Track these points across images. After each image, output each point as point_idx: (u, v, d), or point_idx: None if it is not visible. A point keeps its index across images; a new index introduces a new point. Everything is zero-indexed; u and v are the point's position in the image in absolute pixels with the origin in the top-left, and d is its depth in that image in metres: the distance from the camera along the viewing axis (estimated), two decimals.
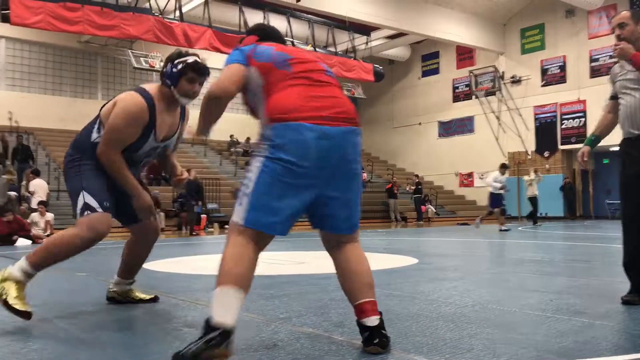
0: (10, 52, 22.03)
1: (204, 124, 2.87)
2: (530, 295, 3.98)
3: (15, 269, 3.18)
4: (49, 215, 12.34)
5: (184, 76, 3.52)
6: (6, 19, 13.98)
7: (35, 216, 12.20)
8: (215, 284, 2.42)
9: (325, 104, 2.55)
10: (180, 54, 3.58)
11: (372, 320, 2.53)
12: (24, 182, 14.86)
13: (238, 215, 2.56)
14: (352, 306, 2.65)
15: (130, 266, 3.90)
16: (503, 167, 14.33)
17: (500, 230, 13.58)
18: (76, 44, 22.56)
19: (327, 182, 2.52)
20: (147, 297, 3.93)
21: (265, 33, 3.01)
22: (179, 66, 3.50)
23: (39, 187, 13.60)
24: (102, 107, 3.63)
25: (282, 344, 2.62)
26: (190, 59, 3.53)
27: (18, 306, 3.03)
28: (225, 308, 2.34)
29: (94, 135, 3.50)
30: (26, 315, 3.03)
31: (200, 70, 3.57)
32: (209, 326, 2.29)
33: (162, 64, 17.63)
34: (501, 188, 13.89)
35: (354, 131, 2.58)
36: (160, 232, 3.93)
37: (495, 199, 14.06)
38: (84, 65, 23.64)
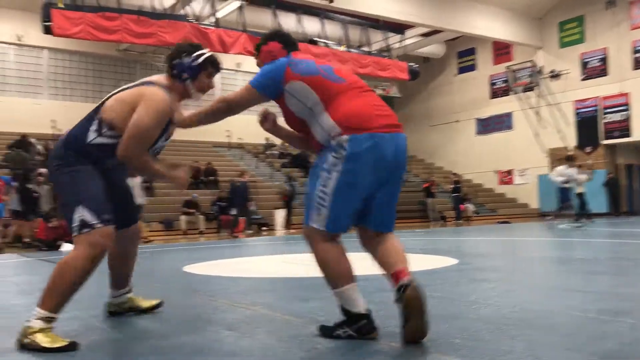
0: (53, 62, 22.68)
1: (202, 121, 2.97)
2: (572, 295, 3.89)
3: (34, 322, 2.78)
4: None
5: (204, 70, 3.37)
6: (48, 31, 14.40)
7: None
8: (335, 285, 2.86)
9: (384, 112, 2.81)
10: (193, 46, 3.38)
11: (405, 280, 2.71)
12: None
13: (320, 223, 2.79)
14: (389, 276, 2.85)
15: (122, 275, 3.61)
16: (569, 160, 13.86)
17: (573, 226, 13.10)
18: (115, 52, 23.07)
19: (382, 185, 2.77)
20: (152, 303, 3.69)
21: (286, 40, 3.13)
22: (200, 59, 3.32)
23: None
24: (100, 105, 3.28)
25: (321, 347, 2.64)
26: (208, 52, 3.36)
27: (57, 344, 2.71)
28: (357, 299, 2.81)
29: (92, 135, 3.14)
30: (70, 346, 2.72)
31: (217, 66, 3.46)
32: (353, 315, 2.77)
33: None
34: (566, 182, 13.41)
35: (404, 138, 2.85)
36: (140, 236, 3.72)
37: (563, 194, 13.61)
38: (123, 72, 24.16)
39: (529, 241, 10.16)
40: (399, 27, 21.65)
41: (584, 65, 23.49)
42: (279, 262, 7.17)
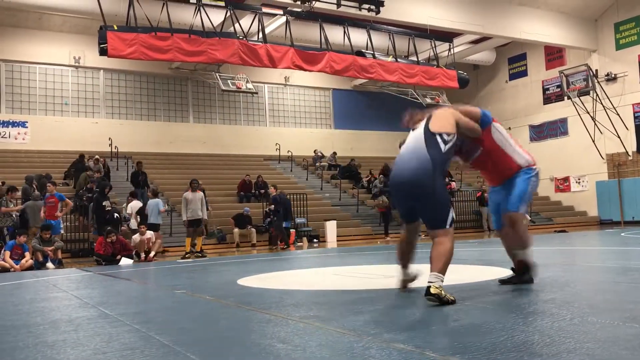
0: (109, 82, 23.53)
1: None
2: (634, 307, 3.75)
3: (437, 282, 4.08)
4: (149, 234, 13.00)
5: None
6: (104, 52, 14.96)
7: (136, 237, 12.89)
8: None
9: None
10: None
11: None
12: (123, 205, 15.71)
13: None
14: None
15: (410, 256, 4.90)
16: None
17: None
18: (167, 70, 23.75)
19: None
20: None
21: None
22: None
23: (134, 209, 14.35)
24: (427, 125, 4.41)
25: None
26: None
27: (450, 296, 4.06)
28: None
29: (443, 147, 4.30)
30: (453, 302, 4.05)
31: None
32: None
33: (248, 84, 17.87)
34: None
35: None
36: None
37: None
38: (175, 90, 24.83)
39: (587, 250, 9.84)
40: (447, 35, 21.46)
41: None
42: (330, 274, 7.18)
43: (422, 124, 4.49)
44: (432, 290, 4.00)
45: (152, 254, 12.73)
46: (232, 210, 17.63)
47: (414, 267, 4.94)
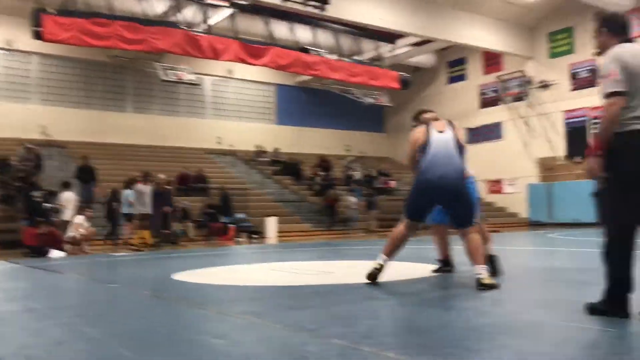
0: (43, 67, 22.56)
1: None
2: (561, 305, 3.91)
3: (484, 273, 4.64)
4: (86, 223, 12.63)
5: None
6: (38, 36, 14.32)
7: (81, 218, 12.51)
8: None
9: None
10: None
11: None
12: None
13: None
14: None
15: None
16: None
17: None
18: (106, 58, 22.99)
19: None
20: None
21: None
22: None
23: (67, 201, 13.84)
24: (455, 136, 5.05)
25: (310, 356, 2.62)
26: None
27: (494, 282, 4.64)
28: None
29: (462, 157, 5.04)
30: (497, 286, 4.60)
31: None
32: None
33: (189, 75, 17.50)
34: None
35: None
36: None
37: None
38: (114, 79, 24.08)
39: (518, 250, 10.20)
40: (390, 37, 21.76)
41: (574, 75, 23.70)
42: (269, 270, 7.15)
43: (448, 130, 5.05)
44: (486, 282, 4.60)
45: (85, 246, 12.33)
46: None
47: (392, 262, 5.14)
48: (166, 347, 2.93)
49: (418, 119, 5.56)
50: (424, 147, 4.98)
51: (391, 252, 5.09)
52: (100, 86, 23.76)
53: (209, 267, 7.88)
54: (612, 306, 3.29)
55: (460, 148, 5.00)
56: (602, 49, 3.48)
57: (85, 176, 16.41)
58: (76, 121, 22.40)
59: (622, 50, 3.31)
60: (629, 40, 3.43)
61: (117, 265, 8.84)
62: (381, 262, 5.03)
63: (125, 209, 14.09)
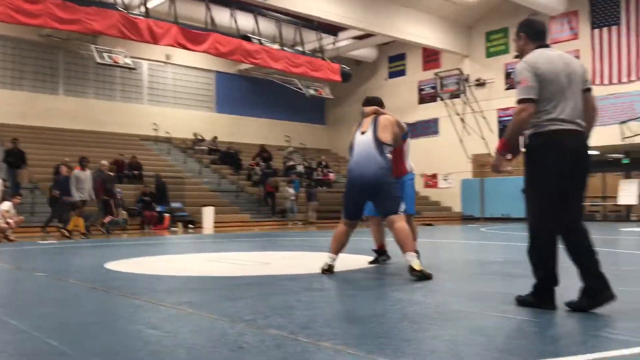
0: None
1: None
2: (492, 296, 4.05)
3: (414, 261, 4.89)
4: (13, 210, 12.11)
5: None
6: None
7: (8, 205, 11.99)
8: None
9: None
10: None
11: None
12: None
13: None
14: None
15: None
16: None
17: None
18: (37, 37, 22.01)
19: None
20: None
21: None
22: None
23: None
24: (375, 134, 5.37)
25: (247, 346, 2.61)
26: None
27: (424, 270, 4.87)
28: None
29: (387, 154, 5.31)
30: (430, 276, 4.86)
31: None
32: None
33: (126, 59, 17.07)
34: None
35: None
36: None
37: None
38: (45, 59, 23.06)
39: (452, 243, 10.49)
40: (333, 29, 21.83)
41: (508, 75, 24.51)
42: (205, 260, 7.06)
43: (370, 130, 5.35)
44: (417, 267, 4.85)
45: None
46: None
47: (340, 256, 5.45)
48: (98, 338, 2.84)
49: (363, 110, 5.72)
50: (351, 148, 5.45)
51: (337, 250, 5.42)
52: (31, 66, 22.71)
53: (144, 256, 7.70)
54: (540, 299, 3.44)
55: (382, 145, 5.26)
56: (520, 53, 3.63)
57: (14, 160, 15.68)
58: (5, 102, 21.35)
59: (536, 57, 3.45)
60: (546, 46, 3.57)
61: (45, 253, 8.50)
62: (330, 262, 5.34)
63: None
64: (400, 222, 5.11)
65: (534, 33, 3.61)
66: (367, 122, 5.48)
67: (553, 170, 3.38)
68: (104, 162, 15.12)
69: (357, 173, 5.25)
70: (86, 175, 12.81)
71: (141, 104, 25.49)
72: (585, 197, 3.58)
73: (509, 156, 3.64)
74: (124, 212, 16.08)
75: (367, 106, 5.66)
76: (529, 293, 3.54)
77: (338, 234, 5.45)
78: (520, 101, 3.40)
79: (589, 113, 3.56)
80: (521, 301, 3.56)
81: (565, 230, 3.43)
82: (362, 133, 5.41)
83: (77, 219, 12.78)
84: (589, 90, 3.55)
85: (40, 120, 22.02)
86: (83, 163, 12.83)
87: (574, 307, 3.39)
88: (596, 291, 3.33)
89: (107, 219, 14.48)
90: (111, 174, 15.25)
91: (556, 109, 3.37)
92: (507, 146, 3.55)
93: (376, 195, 5.25)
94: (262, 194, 21.10)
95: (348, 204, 5.45)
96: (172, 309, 3.57)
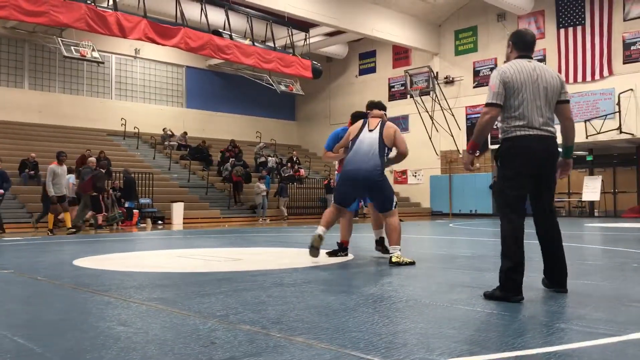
0: None
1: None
2: (461, 290, 4.11)
3: (397, 253, 5.69)
4: None
5: None
6: None
7: None
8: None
9: None
10: None
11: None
12: None
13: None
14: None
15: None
16: None
17: None
18: (1, 29, 21.48)
19: None
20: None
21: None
22: None
23: None
24: (381, 137, 5.81)
25: (219, 342, 2.61)
26: None
27: (407, 260, 5.67)
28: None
29: (385, 156, 5.93)
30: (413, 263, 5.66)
31: None
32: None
33: (93, 53, 16.80)
34: None
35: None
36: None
37: None
38: (10, 52, 22.54)
39: (421, 238, 10.61)
40: (304, 25, 21.81)
41: (476, 73, 24.87)
42: (175, 256, 7.00)
43: (377, 130, 5.80)
44: (394, 260, 5.60)
45: None
46: None
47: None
48: (67, 335, 2.80)
49: (366, 113, 6.19)
50: (353, 141, 5.83)
51: (328, 225, 5.81)
52: None
53: (113, 252, 7.60)
54: (507, 291, 3.56)
55: (384, 146, 5.77)
56: (506, 59, 3.93)
57: None
58: None
59: (509, 66, 3.77)
60: (527, 57, 3.84)
61: (12, 250, 8.33)
62: (321, 232, 5.68)
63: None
64: (392, 217, 5.82)
65: (521, 43, 3.88)
66: (375, 122, 5.89)
67: (519, 170, 3.69)
68: (92, 158, 15.28)
69: (354, 166, 5.69)
70: (63, 170, 12.65)
71: (109, 98, 25.12)
72: (553, 190, 3.91)
73: (477, 153, 3.95)
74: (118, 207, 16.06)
75: (376, 109, 6.05)
76: (496, 287, 3.64)
77: (327, 213, 5.90)
78: (486, 105, 3.75)
79: (565, 123, 3.90)
80: (489, 296, 3.65)
81: (539, 219, 3.84)
82: (370, 130, 5.83)
83: (52, 216, 12.65)
84: (565, 102, 3.83)
85: (4, 114, 21.51)
86: (60, 158, 12.65)
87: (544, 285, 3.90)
88: (557, 275, 3.80)
89: (101, 217, 14.77)
90: (102, 170, 15.38)
91: (523, 116, 3.68)
92: (475, 145, 3.88)
93: (369, 191, 5.83)
94: (230, 188, 21.03)
95: (339, 191, 5.93)
96: (143, 306, 3.55)
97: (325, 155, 6.59)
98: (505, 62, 3.93)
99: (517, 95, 3.68)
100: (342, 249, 6.44)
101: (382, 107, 6.15)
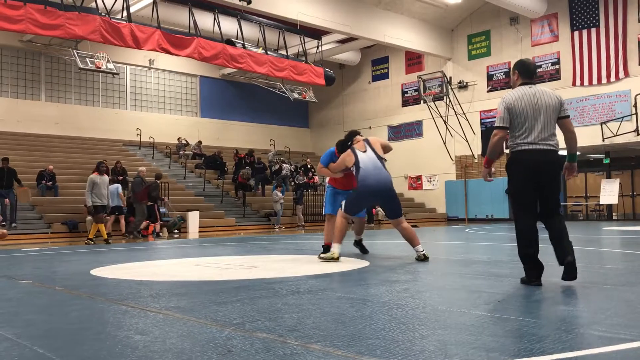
0: None
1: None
2: (478, 296, 4.08)
3: (422, 250, 6.69)
4: None
5: None
6: None
7: None
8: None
9: None
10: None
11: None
12: None
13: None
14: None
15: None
16: None
17: None
18: (18, 43, 21.81)
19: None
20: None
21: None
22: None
23: None
24: (375, 152, 6.73)
25: (236, 350, 2.61)
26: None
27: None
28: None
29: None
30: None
31: None
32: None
33: (108, 64, 17.12)
34: None
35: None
36: None
37: None
38: (27, 65, 22.86)
39: (436, 244, 10.55)
40: (316, 33, 21.87)
41: (490, 77, 24.74)
42: (191, 265, 7.03)
43: (369, 149, 6.69)
44: (426, 255, 6.66)
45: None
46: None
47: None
48: (85, 344, 2.83)
49: (348, 142, 7.03)
50: (356, 165, 6.57)
51: (341, 239, 6.63)
52: (12, 72, 22.51)
53: (130, 262, 7.65)
54: (527, 277, 4.46)
55: (382, 159, 6.66)
56: (513, 85, 4.67)
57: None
58: None
59: (511, 94, 4.52)
60: (531, 83, 4.57)
61: (30, 260, 8.41)
62: (338, 251, 6.49)
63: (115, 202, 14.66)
64: (405, 222, 6.70)
65: (524, 72, 4.62)
66: (361, 145, 6.76)
67: (521, 178, 4.48)
68: (142, 168, 16.10)
69: (374, 180, 6.49)
70: (103, 180, 12.83)
71: (124, 109, 25.35)
72: (557, 194, 4.58)
73: (492, 169, 4.79)
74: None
75: (355, 137, 6.98)
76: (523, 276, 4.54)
77: (341, 227, 6.61)
78: (494, 127, 4.57)
79: (568, 135, 4.57)
80: (522, 280, 4.55)
81: (544, 218, 4.50)
82: (363, 152, 6.67)
83: (95, 225, 12.78)
84: (565, 117, 4.53)
85: (22, 126, 21.80)
86: (101, 168, 12.86)
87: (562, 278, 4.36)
88: (566, 265, 4.29)
89: (144, 224, 15.39)
90: (158, 181, 16.16)
91: (524, 134, 4.45)
92: (489, 161, 4.75)
93: (388, 199, 6.69)
94: (235, 183, 21.48)
95: (357, 204, 6.72)
96: (160, 314, 3.56)
97: (320, 169, 7.44)
98: (511, 87, 4.66)
99: (520, 117, 4.43)
100: (326, 249, 7.16)
101: (358, 132, 7.14)
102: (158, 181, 16.12)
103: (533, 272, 4.40)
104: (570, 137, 4.56)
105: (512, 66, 4.77)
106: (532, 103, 4.43)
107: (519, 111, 4.43)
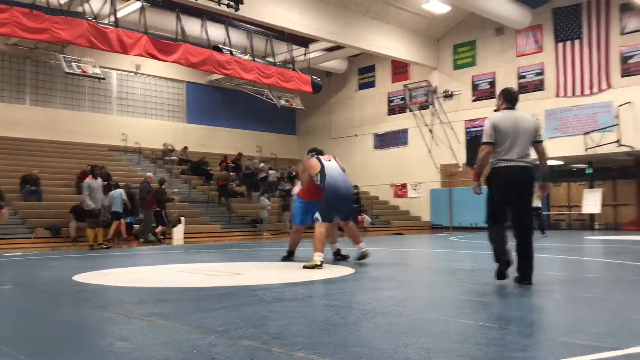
0: None
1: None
2: (462, 303, 4.10)
3: (364, 247, 7.38)
4: None
5: None
6: None
7: None
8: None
9: None
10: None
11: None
12: None
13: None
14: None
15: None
16: None
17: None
18: (3, 46, 21.61)
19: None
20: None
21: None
22: None
23: None
24: (339, 164, 7.51)
25: (220, 357, 2.60)
26: None
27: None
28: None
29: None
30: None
31: None
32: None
33: (95, 69, 17.05)
34: None
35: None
36: None
37: None
38: (12, 68, 22.63)
39: (422, 252, 10.59)
40: (304, 40, 21.92)
41: (475, 87, 24.94)
42: (175, 271, 6.99)
43: (333, 160, 7.38)
44: (367, 253, 7.32)
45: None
46: (70, 202, 16.42)
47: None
48: (67, 351, 2.80)
49: (311, 154, 7.60)
50: (322, 172, 7.05)
51: (323, 248, 6.78)
52: None
53: (113, 268, 7.59)
54: (497, 274, 5.01)
55: (344, 171, 7.39)
56: (497, 108, 5.29)
57: None
58: None
59: (497, 116, 5.15)
60: (512, 108, 5.19)
61: (11, 266, 8.31)
62: (320, 259, 6.61)
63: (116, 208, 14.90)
64: (352, 223, 7.67)
65: (508, 99, 5.24)
66: (328, 156, 7.43)
67: (497, 190, 5.09)
68: (149, 174, 16.32)
69: (343, 186, 7.11)
70: (98, 183, 12.73)
71: (110, 114, 25.18)
72: (530, 209, 5.26)
73: (480, 181, 5.30)
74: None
75: (321, 153, 7.61)
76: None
77: (321, 237, 6.82)
78: (482, 143, 5.13)
79: (540, 157, 5.19)
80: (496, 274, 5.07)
81: (518, 233, 5.06)
82: (329, 161, 7.27)
83: (92, 230, 12.69)
84: (539, 141, 5.13)
85: (6, 130, 21.57)
86: (95, 172, 12.78)
87: (516, 281, 4.96)
88: (523, 272, 4.92)
89: (159, 229, 15.61)
90: (163, 187, 16.40)
91: (504, 152, 5.02)
92: (478, 175, 5.30)
93: (349, 204, 7.49)
94: (216, 186, 21.48)
95: (332, 211, 7.05)
96: (143, 321, 3.54)
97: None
98: (495, 110, 5.30)
99: (502, 136, 5.02)
100: (291, 254, 8.03)
101: (321, 151, 7.74)
102: (162, 186, 16.24)
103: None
104: (542, 159, 5.21)
105: (497, 94, 5.41)
106: (514, 125, 5.05)
107: (503, 130, 5.03)
